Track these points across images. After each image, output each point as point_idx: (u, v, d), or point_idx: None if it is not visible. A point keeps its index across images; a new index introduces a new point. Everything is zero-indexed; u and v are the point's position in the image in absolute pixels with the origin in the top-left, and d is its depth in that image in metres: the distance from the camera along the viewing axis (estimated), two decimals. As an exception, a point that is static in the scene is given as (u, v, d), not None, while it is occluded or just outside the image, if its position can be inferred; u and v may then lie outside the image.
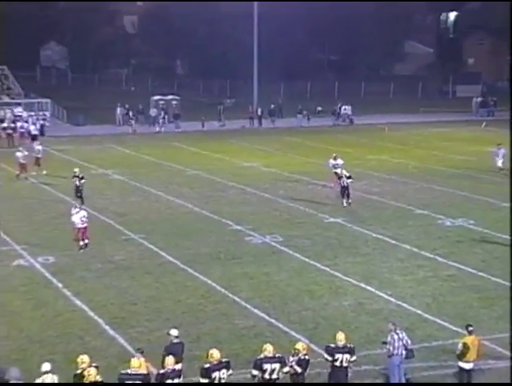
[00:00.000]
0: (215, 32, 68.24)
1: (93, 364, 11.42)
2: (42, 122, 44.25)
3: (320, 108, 55.42)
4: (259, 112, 51.64)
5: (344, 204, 26.11)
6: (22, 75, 52.97)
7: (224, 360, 11.69)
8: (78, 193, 26.11)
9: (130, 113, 49.25)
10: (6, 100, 46.85)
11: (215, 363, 11.56)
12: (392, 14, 70.25)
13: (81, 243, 20.94)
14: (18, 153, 31.49)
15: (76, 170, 26.85)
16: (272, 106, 53.05)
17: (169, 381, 11.36)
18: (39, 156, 32.66)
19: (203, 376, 11.52)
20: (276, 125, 51.13)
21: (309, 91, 65.87)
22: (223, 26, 67.37)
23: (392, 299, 17.52)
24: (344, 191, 26.38)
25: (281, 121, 51.91)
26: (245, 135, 46.48)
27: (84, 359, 11.49)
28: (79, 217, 21.08)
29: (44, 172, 31.87)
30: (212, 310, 16.84)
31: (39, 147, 33.38)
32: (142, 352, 12.05)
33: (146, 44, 74.64)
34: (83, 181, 26.19)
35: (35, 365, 11.76)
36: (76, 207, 22.02)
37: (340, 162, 29.88)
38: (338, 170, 28.86)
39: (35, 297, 17.54)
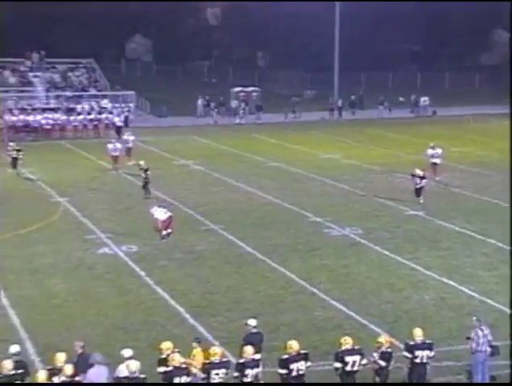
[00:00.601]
0: (297, 24, 68.06)
1: (176, 350, 11.66)
2: (126, 114, 45.30)
3: (401, 99, 54.56)
4: (339, 104, 51.31)
5: (421, 201, 25.51)
6: (108, 68, 54.25)
7: (302, 352, 11.72)
8: (145, 185, 26.36)
9: (212, 105, 49.86)
10: (93, 92, 48.17)
11: (294, 354, 11.60)
12: (478, 2, 68.21)
13: (164, 232, 21.33)
14: (110, 145, 32.00)
15: (142, 162, 26.86)
16: (352, 97, 52.59)
17: (248, 371, 11.47)
18: (131, 146, 33.44)
19: (281, 367, 11.58)
20: (357, 116, 50.69)
21: (391, 82, 64.90)
22: (305, 18, 67.10)
23: (475, 294, 17.13)
24: (417, 190, 25.74)
25: (362, 113, 51.42)
26: (325, 127, 46.27)
27: (167, 345, 11.77)
28: (160, 212, 21.44)
29: (130, 163, 32.49)
30: (291, 302, 16.88)
31: (132, 137, 34.13)
32: (199, 342, 12.22)
33: (228, 36, 75.17)
34: (148, 173, 26.32)
35: (119, 351, 12.07)
36: (152, 206, 22.16)
37: (438, 151, 29.35)
38: (437, 160, 28.60)
39: (119, 284, 18.01)
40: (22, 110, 42.64)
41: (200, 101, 50.71)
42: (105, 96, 47.28)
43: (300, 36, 68.23)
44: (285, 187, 28.61)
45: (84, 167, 32.93)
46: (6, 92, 45.35)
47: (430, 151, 29.44)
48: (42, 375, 10.92)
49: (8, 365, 11.06)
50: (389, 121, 48.55)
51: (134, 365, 11.10)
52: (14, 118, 41.42)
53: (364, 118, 49.57)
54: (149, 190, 26.37)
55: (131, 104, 48.00)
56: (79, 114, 43.08)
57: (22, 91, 46.15)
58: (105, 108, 44.90)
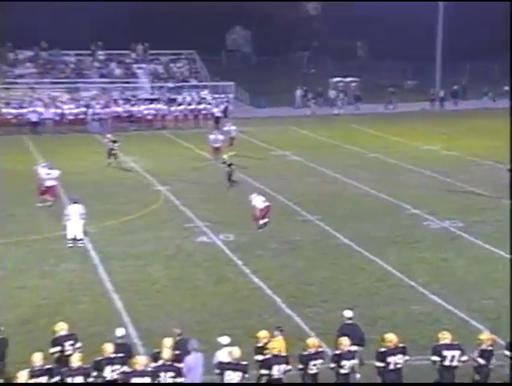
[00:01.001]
0: (397, 13, 66.82)
1: (272, 339, 11.76)
2: (226, 104, 45.86)
3: (506, 88, 52.65)
4: (441, 94, 50.10)
5: None
6: (208, 59, 55.04)
7: (400, 345, 11.58)
8: (230, 178, 26.68)
9: (309, 95, 49.77)
10: (194, 82, 49.03)
11: (391, 347, 11.49)
12: None
13: (261, 221, 21.49)
14: (211, 136, 32.39)
15: (225, 156, 27.26)
16: (455, 87, 51.21)
17: (345, 362, 11.43)
18: (234, 135, 33.92)
19: (378, 360, 11.49)
20: (459, 107, 49.36)
21: (496, 71, 62.70)
22: (405, 7, 65.77)
23: None
24: None
25: (464, 103, 50.03)
26: (425, 118, 45.31)
27: (264, 333, 11.92)
28: (259, 200, 21.64)
29: (232, 153, 32.69)
30: (388, 294, 16.69)
31: (234, 127, 34.65)
32: (281, 330, 12.24)
33: (328, 26, 74.68)
34: (232, 166, 26.67)
35: (216, 338, 12.28)
36: (252, 194, 22.34)
37: None
38: None
39: (217, 273, 18.31)
40: (127, 101, 43.95)
41: (298, 92, 50.73)
42: (205, 87, 48.03)
43: (401, 26, 66.92)
44: (383, 179, 28.24)
45: (184, 157, 33.60)
46: (112, 83, 46.87)
47: None
48: (141, 360, 11.11)
49: (109, 348, 11.38)
50: (493, 111, 47.00)
51: (238, 352, 11.27)
52: (118, 109, 42.77)
53: (467, 109, 48.26)
54: (235, 180, 26.73)
55: (231, 95, 48.53)
56: (180, 105, 44.00)
57: (127, 82, 47.54)
58: (204, 98, 45.64)
